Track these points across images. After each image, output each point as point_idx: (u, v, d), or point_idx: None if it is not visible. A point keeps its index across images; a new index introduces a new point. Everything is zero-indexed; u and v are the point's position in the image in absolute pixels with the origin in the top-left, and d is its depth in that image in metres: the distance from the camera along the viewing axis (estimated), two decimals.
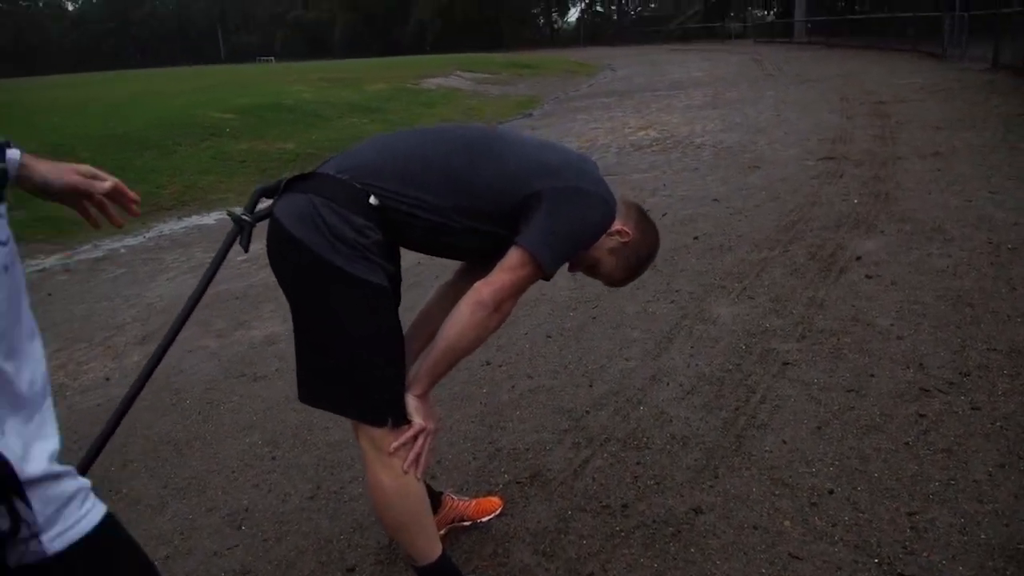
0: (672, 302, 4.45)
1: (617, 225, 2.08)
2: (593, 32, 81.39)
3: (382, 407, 1.89)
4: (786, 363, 3.52)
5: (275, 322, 4.87)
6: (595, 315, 4.38)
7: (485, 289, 1.87)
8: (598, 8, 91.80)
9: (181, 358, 4.39)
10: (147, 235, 8.11)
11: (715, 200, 6.82)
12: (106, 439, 1.65)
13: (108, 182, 1.50)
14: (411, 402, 1.94)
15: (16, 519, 0.98)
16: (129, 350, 4.65)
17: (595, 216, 1.98)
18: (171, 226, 8.50)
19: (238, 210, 1.89)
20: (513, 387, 3.58)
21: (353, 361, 1.85)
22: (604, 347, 3.92)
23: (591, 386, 3.49)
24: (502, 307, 1.90)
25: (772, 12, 63.52)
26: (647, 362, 3.68)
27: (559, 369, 3.72)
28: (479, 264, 2.05)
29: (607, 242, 2.08)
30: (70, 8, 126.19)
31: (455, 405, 3.46)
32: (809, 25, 39.91)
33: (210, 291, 5.59)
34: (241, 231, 1.87)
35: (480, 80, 23.89)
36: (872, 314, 3.99)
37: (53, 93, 24.00)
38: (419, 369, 1.96)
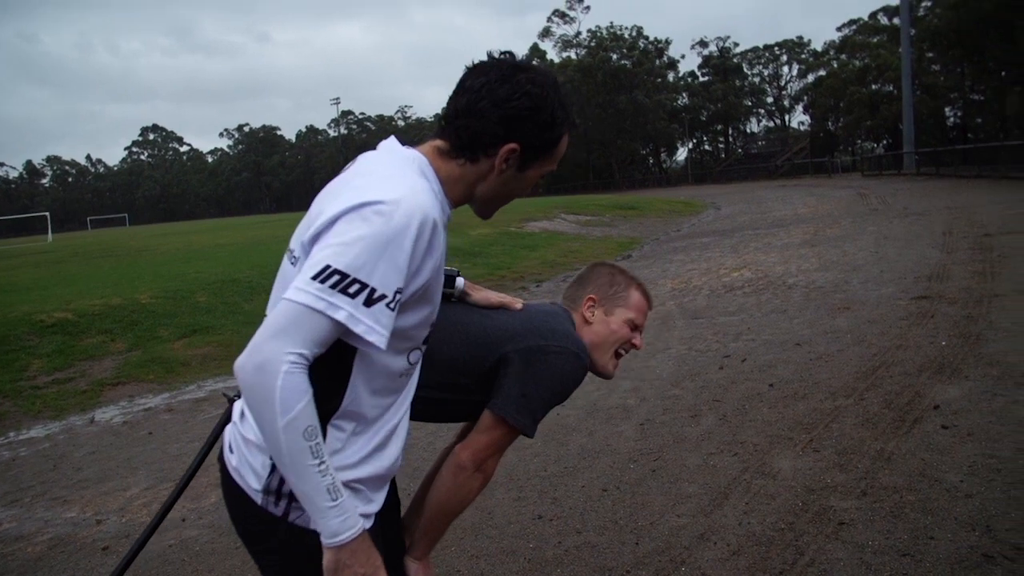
0: (735, 455, 4.38)
1: (584, 307, 2.14)
2: (701, 170, 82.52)
3: None
4: (842, 523, 3.40)
5: None
6: (655, 468, 4.34)
7: (463, 453, 1.94)
8: (706, 147, 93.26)
9: None
10: None
11: (798, 344, 6.72)
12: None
13: (518, 304, 2.10)
14: (410, 565, 1.99)
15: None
16: (208, 492, 4.85)
17: (563, 371, 2.00)
18: None
19: (232, 392, 1.94)
20: (560, 543, 3.56)
21: None
22: (658, 502, 3.87)
23: (637, 544, 3.45)
24: (483, 467, 1.95)
25: (881, 145, 63.20)
26: (698, 519, 3.62)
27: (609, 525, 3.69)
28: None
29: (597, 315, 2.15)
30: (209, 160, 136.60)
31: (499, 560, 3.46)
32: (918, 157, 39.44)
33: None
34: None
35: (584, 223, 24.41)
36: (942, 469, 3.83)
37: (186, 239, 25.78)
38: (416, 534, 2.02)
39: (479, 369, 1.98)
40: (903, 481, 3.74)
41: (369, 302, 1.40)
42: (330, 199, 1.51)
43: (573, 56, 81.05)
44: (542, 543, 3.59)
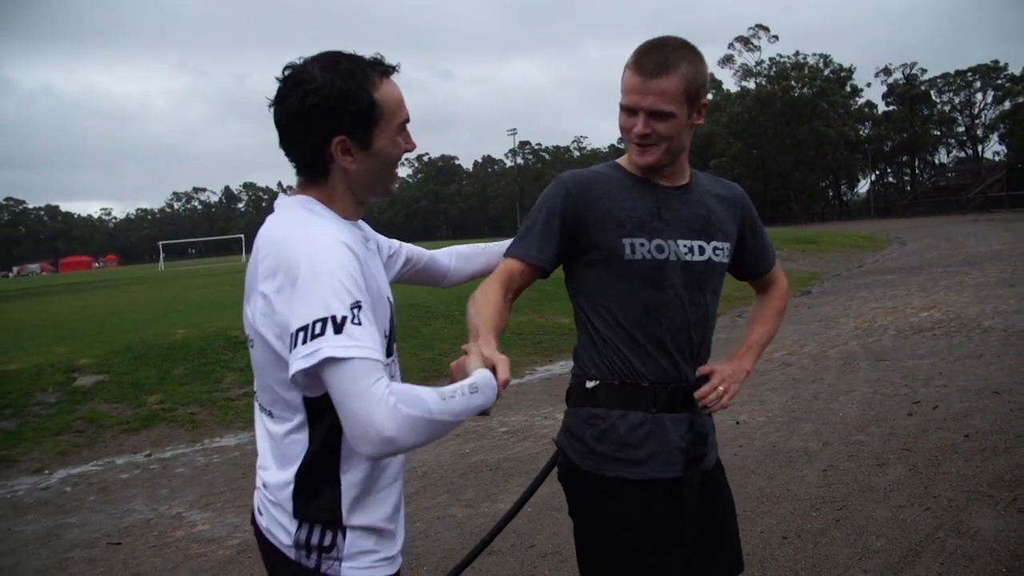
0: (927, 509, 4.12)
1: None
2: (885, 203, 78.61)
3: None
4: None
5: None
6: (839, 517, 4.15)
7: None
8: (890, 179, 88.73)
9: (429, 524, 4.67)
10: None
11: (996, 393, 6.26)
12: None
13: None
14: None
15: (333, 544, 1.61)
16: None
17: (542, 200, 2.06)
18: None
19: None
20: None
21: None
22: (843, 554, 3.70)
23: None
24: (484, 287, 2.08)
25: None
26: None
27: (789, 575, 3.55)
28: None
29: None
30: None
31: None
32: None
33: (466, 461, 5.87)
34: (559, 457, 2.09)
35: None
36: None
37: None
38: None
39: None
40: None
41: (355, 320, 1.45)
42: (260, 283, 1.59)
43: (752, 86, 79.20)
44: None
